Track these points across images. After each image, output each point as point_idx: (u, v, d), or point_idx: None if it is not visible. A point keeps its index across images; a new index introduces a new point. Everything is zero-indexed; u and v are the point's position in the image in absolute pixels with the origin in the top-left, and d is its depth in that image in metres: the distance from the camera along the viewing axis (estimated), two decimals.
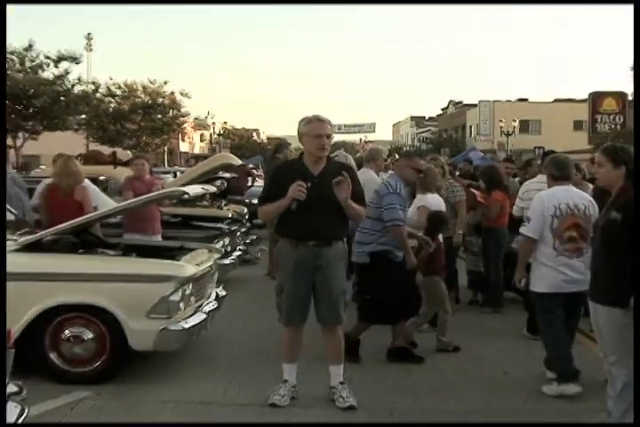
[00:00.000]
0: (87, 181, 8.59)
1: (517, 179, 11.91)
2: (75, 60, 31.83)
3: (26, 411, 3.84)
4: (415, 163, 7.42)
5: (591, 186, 8.49)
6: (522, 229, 6.48)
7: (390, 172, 10.08)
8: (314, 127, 5.74)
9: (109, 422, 5.45)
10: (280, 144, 12.49)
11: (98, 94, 39.31)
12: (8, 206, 7.50)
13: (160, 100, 44.70)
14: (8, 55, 31.19)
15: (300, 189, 5.56)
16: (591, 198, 6.44)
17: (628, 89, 46.38)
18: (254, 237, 13.49)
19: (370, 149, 12.82)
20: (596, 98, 53.84)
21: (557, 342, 6.28)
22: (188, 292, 6.52)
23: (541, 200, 6.33)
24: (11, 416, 3.72)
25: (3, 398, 3.48)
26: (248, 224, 13.26)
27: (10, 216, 7.40)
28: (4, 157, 6.62)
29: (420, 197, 8.33)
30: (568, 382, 6.10)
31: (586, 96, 56.53)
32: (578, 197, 6.37)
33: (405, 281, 7.10)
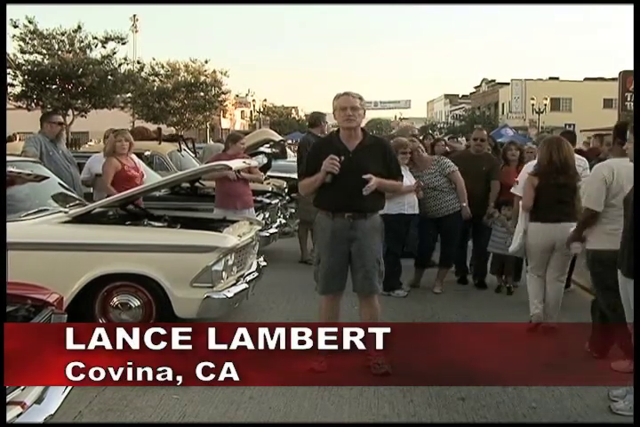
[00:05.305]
0: (132, 156, 8.63)
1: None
2: (121, 40, 31.84)
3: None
4: None
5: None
6: None
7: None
8: (340, 101, 5.76)
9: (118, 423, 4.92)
10: (317, 117, 10.63)
11: (143, 73, 39.34)
12: (59, 180, 7.58)
13: (202, 78, 44.73)
14: (59, 37, 31.35)
15: (333, 163, 5.59)
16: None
17: None
18: (293, 210, 13.47)
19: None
20: (627, 76, 52.82)
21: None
22: (230, 262, 6.56)
23: None
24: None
25: (2, 398, 3.44)
26: (287, 198, 13.23)
27: (61, 189, 7.48)
28: (4, 156, 6.68)
29: None
30: None
31: (615, 75, 55.61)
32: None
33: None
